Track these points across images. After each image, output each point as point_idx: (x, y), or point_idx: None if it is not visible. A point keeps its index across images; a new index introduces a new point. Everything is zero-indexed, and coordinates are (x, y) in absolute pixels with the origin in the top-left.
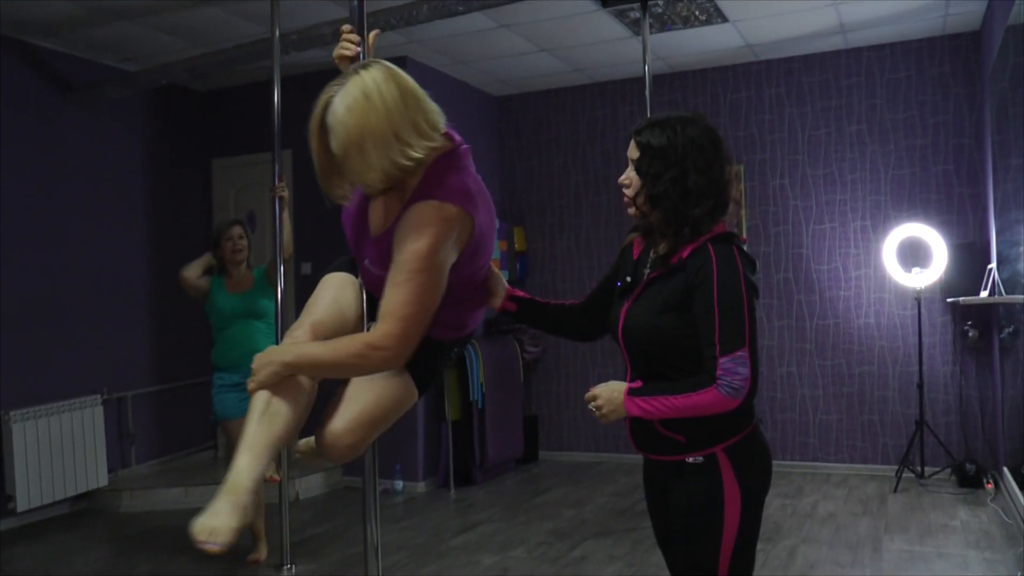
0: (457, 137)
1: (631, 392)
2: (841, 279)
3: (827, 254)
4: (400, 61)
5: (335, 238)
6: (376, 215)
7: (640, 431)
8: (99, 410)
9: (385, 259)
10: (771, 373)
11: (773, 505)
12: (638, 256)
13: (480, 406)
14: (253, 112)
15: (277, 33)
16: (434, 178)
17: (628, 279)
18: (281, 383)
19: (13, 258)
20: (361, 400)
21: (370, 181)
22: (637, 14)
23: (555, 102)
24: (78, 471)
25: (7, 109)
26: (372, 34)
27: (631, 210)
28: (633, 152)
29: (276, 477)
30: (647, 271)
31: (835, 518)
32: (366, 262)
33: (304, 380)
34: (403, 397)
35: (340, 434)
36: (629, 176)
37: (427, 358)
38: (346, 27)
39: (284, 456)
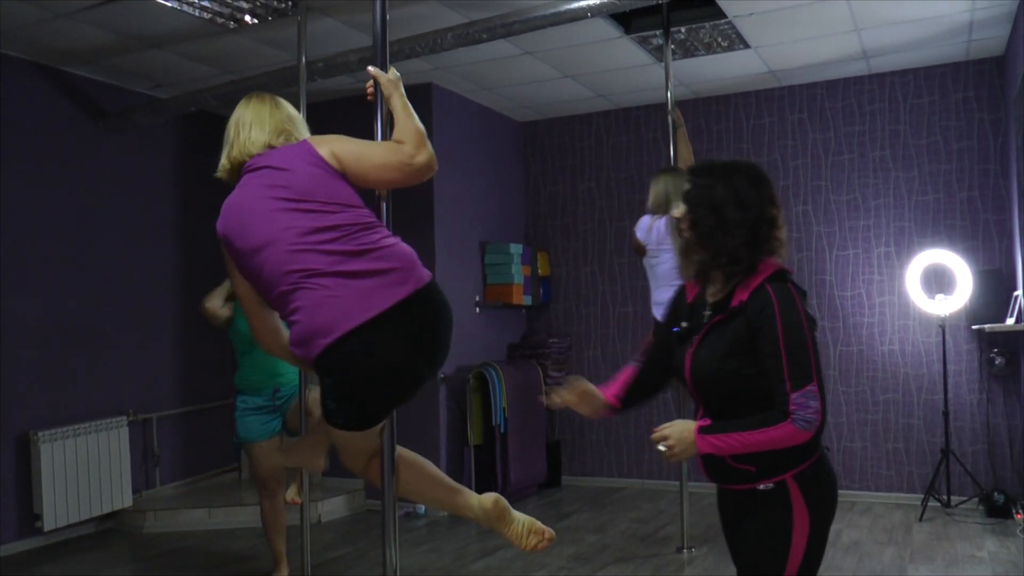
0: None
1: (702, 430)
2: (865, 305)
3: (851, 280)
4: (425, 88)
5: None
6: None
7: (712, 463)
8: (125, 431)
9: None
10: None
11: None
12: (692, 300)
13: (503, 430)
14: None
15: (304, 60)
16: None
17: (684, 324)
18: None
19: (43, 279)
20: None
21: None
22: (660, 40)
23: (579, 127)
24: (103, 491)
25: (42, 135)
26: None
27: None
28: (686, 189)
29: (298, 500)
30: (706, 314)
31: (859, 547)
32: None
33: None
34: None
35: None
36: (682, 211)
37: None
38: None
39: (305, 479)
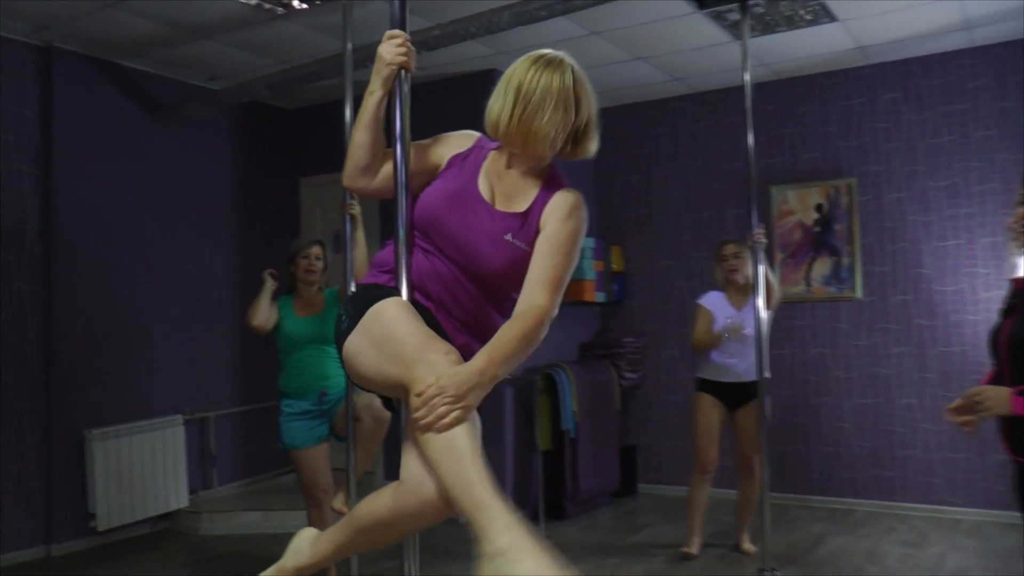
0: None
1: (1020, 392)
2: (967, 302)
3: (951, 274)
4: (487, 74)
5: None
6: (489, 191)
7: (1018, 433)
8: (181, 430)
9: (530, 234)
10: (888, 405)
11: (892, 554)
12: (1022, 286)
13: (573, 435)
14: (340, 130)
15: (350, 46)
16: (557, 172)
17: (1013, 302)
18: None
19: (99, 275)
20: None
21: (582, 154)
22: (737, 16)
23: (653, 114)
24: (159, 491)
25: (97, 128)
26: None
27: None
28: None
29: (345, 509)
30: None
31: (967, 573)
32: (508, 236)
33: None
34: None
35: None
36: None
37: None
38: (400, 33)
39: (353, 487)
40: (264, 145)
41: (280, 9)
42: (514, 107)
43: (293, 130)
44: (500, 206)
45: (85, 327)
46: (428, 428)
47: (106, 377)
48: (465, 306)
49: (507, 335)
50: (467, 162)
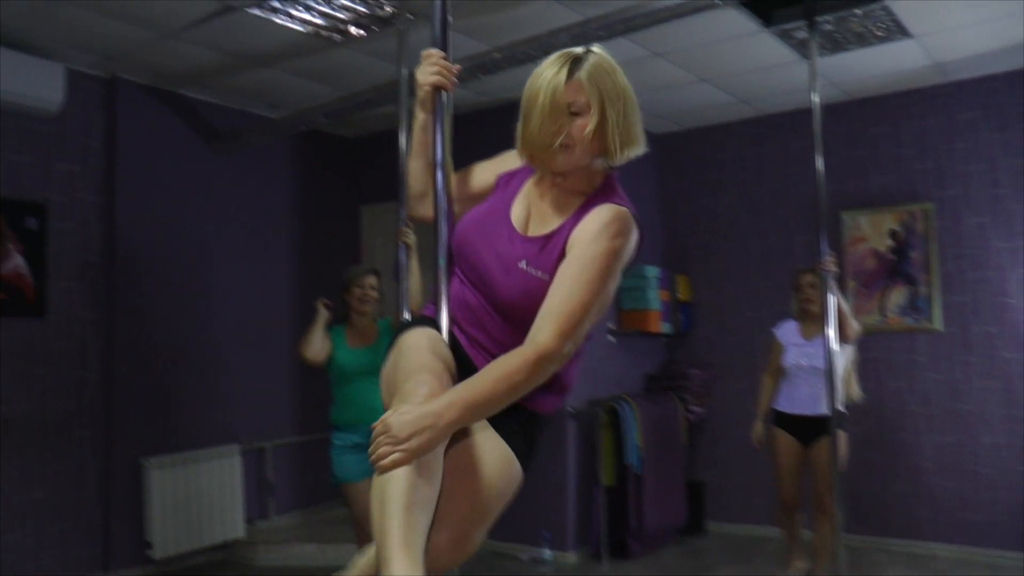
0: None
1: None
2: None
3: None
4: None
5: None
6: (524, 213)
7: None
8: (238, 460)
9: (551, 260)
10: (972, 443)
11: None
12: None
13: (637, 470)
14: (398, 157)
15: (405, 72)
16: (612, 187)
17: None
18: (428, 459)
19: (157, 303)
20: (463, 501)
21: (608, 148)
22: (804, 33)
23: (719, 138)
24: (215, 521)
25: (159, 157)
26: (456, 67)
27: None
28: None
29: None
30: None
31: None
32: (523, 264)
33: (440, 456)
34: (512, 485)
35: (444, 548)
36: None
37: (529, 434)
38: (436, 52)
39: None
40: (325, 173)
41: (337, 36)
42: (519, 118)
43: (353, 158)
44: (531, 230)
45: (145, 355)
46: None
47: (165, 405)
48: (495, 338)
49: (487, 375)
50: (511, 182)
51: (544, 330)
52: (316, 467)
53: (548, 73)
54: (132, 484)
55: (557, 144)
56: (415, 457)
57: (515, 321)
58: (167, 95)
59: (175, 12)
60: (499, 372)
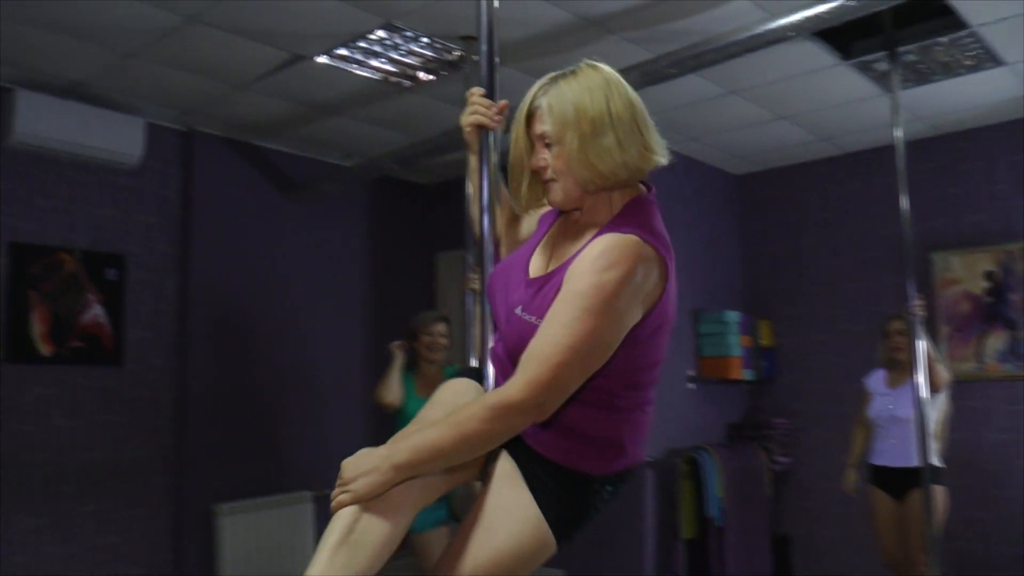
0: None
1: None
2: None
3: None
4: None
5: None
6: (546, 254)
7: None
8: (309, 506)
9: (545, 302)
10: None
11: None
12: None
13: (719, 522)
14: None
15: None
16: (632, 213)
17: None
18: (377, 502)
19: (231, 351)
20: (465, 558)
21: (588, 175)
22: (886, 65)
23: (800, 178)
24: (287, 567)
25: (233, 207)
26: (502, 104)
27: None
28: None
29: None
30: None
31: None
32: (518, 310)
33: (402, 501)
34: (535, 550)
35: None
36: None
37: (571, 497)
38: (478, 91)
39: None
40: (399, 220)
41: (406, 82)
42: None
43: (427, 205)
44: (535, 272)
45: (217, 402)
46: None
47: (237, 452)
48: None
49: (443, 420)
50: (544, 222)
51: (518, 378)
52: None
53: (522, 104)
54: (204, 530)
55: (545, 178)
56: (360, 499)
57: None
58: (242, 146)
59: (247, 64)
60: (454, 418)
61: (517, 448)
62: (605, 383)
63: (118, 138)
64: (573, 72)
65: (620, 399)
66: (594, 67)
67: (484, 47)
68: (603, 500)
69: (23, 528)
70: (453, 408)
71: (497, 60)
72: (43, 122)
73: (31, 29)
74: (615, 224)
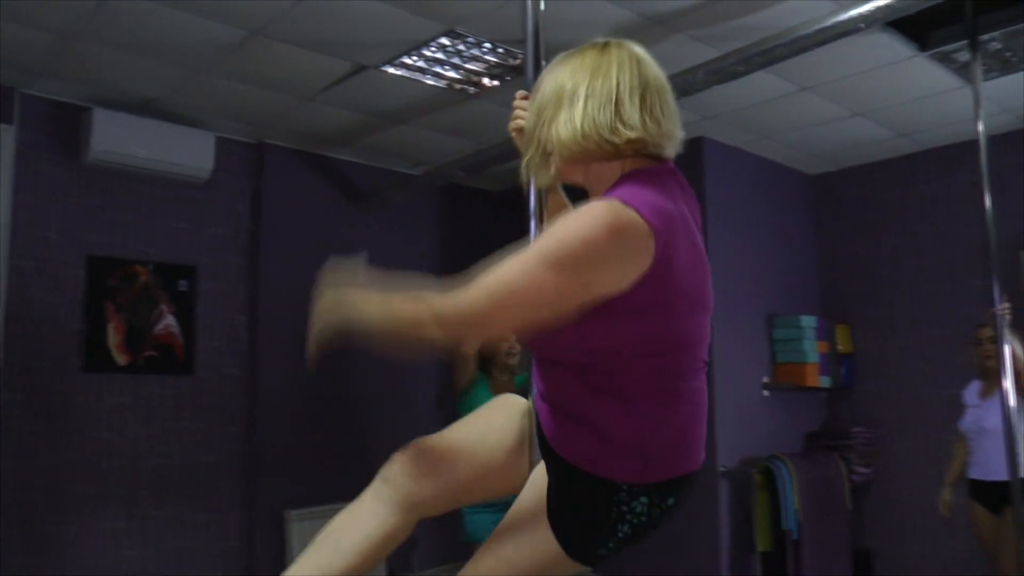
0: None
1: None
2: None
3: None
4: (696, 142)
5: None
6: None
7: None
8: None
9: None
10: None
11: None
12: None
13: (796, 536)
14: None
15: None
16: (625, 184)
17: None
18: (366, 504)
19: (300, 360)
20: (479, 565)
21: (558, 146)
22: (967, 56)
23: (879, 176)
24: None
25: (302, 217)
26: None
27: None
28: None
29: None
30: None
31: None
32: None
33: (395, 510)
34: (539, 563)
35: None
36: None
37: (590, 507)
38: (520, 94)
39: None
40: (468, 228)
41: (471, 88)
42: None
43: (496, 212)
44: None
45: (287, 409)
46: None
47: (307, 458)
48: (537, 385)
49: (394, 304)
50: None
51: (452, 293)
52: (461, 523)
53: None
54: (275, 535)
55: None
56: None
57: (539, 363)
58: (310, 157)
59: (311, 76)
60: (399, 305)
61: (551, 457)
62: (602, 362)
63: (190, 152)
64: (580, 50)
65: (626, 384)
66: (596, 46)
67: (530, 49)
68: (637, 514)
69: (102, 531)
70: (487, 427)
71: (544, 63)
72: (118, 139)
73: (106, 50)
74: (605, 194)
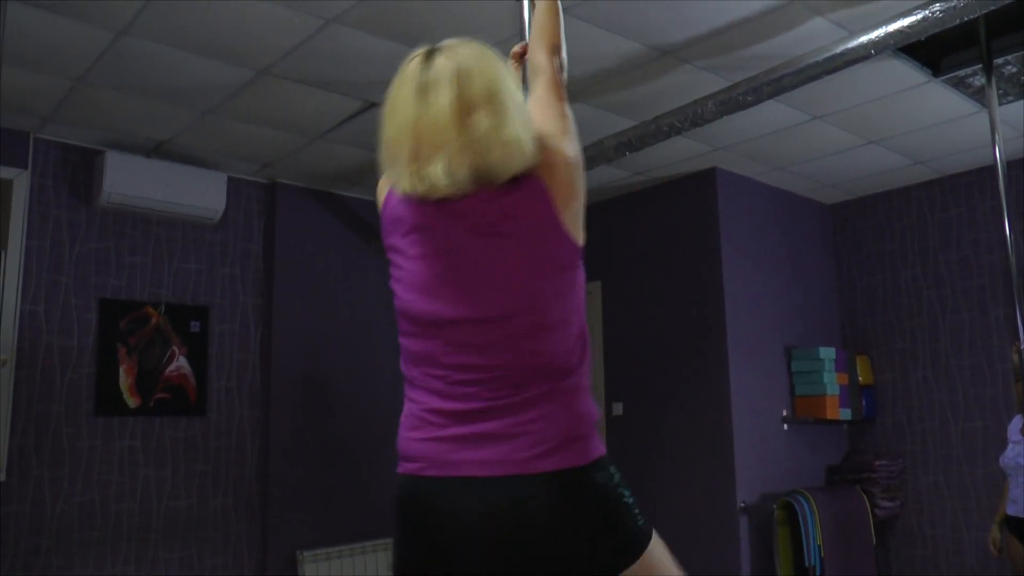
0: None
1: None
2: None
3: None
4: (708, 174)
5: (648, 377)
6: None
7: None
8: (387, 555)
9: None
10: None
11: None
12: None
13: (819, 572)
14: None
15: None
16: None
17: None
18: None
19: (314, 398)
20: None
21: (502, 143)
22: (981, 80)
23: (895, 204)
24: None
25: (314, 256)
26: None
27: None
28: None
29: None
30: None
31: None
32: None
33: None
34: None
35: None
36: None
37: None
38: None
39: None
40: None
41: None
42: None
43: None
44: None
45: (300, 451)
46: None
47: (320, 500)
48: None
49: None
50: None
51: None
52: None
53: None
54: None
55: None
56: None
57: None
58: (322, 195)
59: (321, 114)
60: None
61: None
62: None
63: (201, 193)
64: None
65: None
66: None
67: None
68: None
69: (113, 575)
70: None
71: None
72: (130, 181)
73: (117, 93)
74: None
